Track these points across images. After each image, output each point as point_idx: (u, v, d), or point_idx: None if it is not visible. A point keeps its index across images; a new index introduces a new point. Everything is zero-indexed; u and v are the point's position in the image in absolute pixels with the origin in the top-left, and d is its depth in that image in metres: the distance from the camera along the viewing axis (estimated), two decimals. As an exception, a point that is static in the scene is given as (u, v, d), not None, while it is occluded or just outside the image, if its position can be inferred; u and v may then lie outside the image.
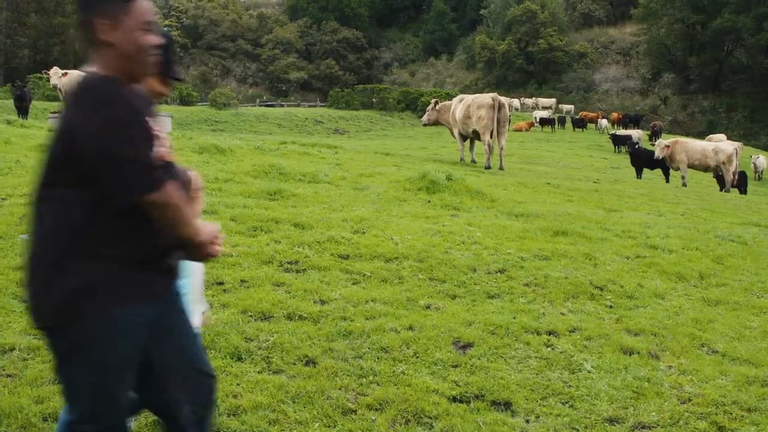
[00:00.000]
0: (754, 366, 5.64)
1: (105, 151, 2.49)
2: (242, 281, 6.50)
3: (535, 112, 56.45)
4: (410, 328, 5.75)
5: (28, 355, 4.86)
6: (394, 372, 4.99)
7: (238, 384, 4.65)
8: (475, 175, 15.34)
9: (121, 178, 2.52)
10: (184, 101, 54.39)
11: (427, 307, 6.25)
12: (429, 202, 11.00)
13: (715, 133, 45.34)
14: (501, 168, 19.14)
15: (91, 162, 2.51)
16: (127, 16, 2.64)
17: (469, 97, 20.47)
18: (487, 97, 19.44)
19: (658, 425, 4.55)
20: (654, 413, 4.69)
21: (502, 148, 19.52)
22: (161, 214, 2.63)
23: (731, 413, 4.83)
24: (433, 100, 23.25)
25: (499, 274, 7.29)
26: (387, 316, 5.96)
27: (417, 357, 5.25)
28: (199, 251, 2.91)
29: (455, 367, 5.13)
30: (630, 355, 5.57)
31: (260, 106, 66.64)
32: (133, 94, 2.62)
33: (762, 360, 5.75)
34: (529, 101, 68.15)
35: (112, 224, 2.62)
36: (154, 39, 2.74)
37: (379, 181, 12.64)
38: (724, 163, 23.23)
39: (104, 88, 2.56)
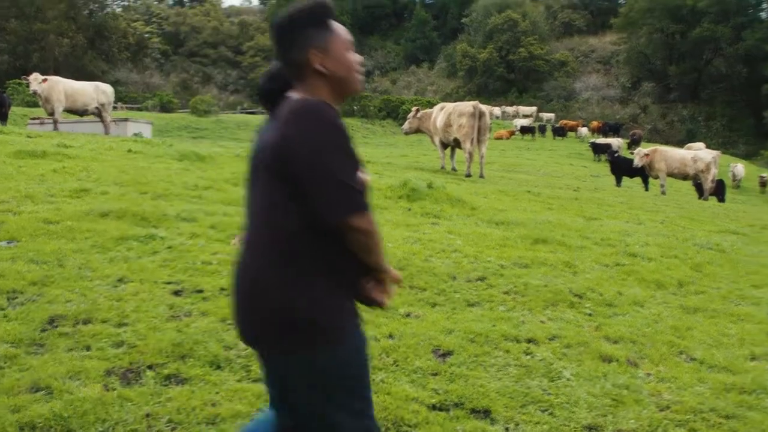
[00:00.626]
0: (731, 373, 5.67)
1: (321, 170, 2.56)
2: (222, 289, 6.46)
3: (515, 120, 56.68)
4: (390, 336, 5.74)
5: (5, 363, 4.81)
6: (373, 380, 4.97)
7: (217, 392, 4.62)
8: (456, 183, 15.37)
9: (331, 198, 2.57)
10: (165, 108, 54.28)
11: (407, 315, 6.24)
12: (410, 209, 11.00)
13: (694, 142, 45.69)
14: (481, 176, 19.19)
15: (306, 180, 2.58)
16: (334, 41, 2.78)
17: (450, 105, 20.51)
18: (468, 105, 19.49)
19: (637, 433, 4.57)
20: (633, 421, 4.69)
21: (482, 156, 19.56)
22: (359, 239, 2.68)
23: (709, 420, 4.85)
24: (414, 108, 23.26)
25: (479, 282, 7.29)
26: (367, 324, 5.94)
27: (397, 365, 5.24)
28: (378, 287, 2.93)
29: (435, 375, 5.12)
30: (609, 362, 5.58)
31: (241, 113, 66.60)
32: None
33: (739, 367, 5.78)
34: (510, 109, 68.36)
35: (329, 248, 2.68)
36: (359, 56, 2.87)
37: (360, 189, 12.64)
38: (702, 171, 23.41)
39: (324, 111, 2.61)
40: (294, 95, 2.75)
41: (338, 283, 2.72)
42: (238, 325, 2.80)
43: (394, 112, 60.70)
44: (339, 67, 2.77)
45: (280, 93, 2.86)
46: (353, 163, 2.64)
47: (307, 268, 2.65)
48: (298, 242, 2.64)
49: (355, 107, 63.01)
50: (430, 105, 39.68)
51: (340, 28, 2.82)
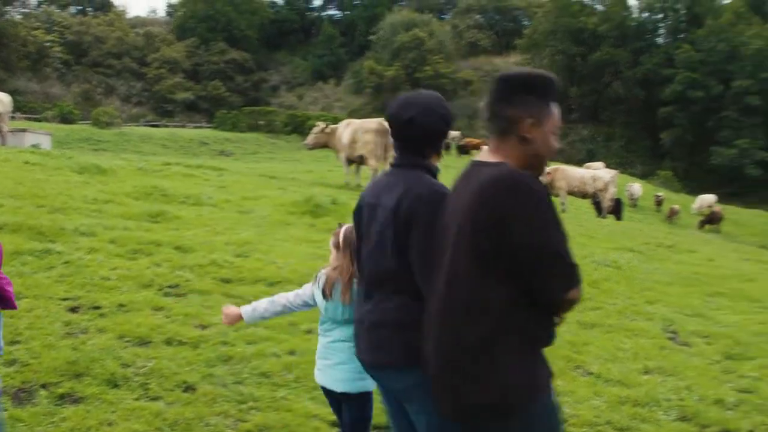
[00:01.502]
0: (626, 387, 5.83)
1: (546, 250, 2.62)
2: (120, 305, 6.34)
3: (421, 137, 57.17)
4: (292, 352, 5.71)
5: None
6: (274, 397, 4.94)
7: (113, 411, 4.52)
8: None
9: (556, 277, 2.65)
10: (65, 119, 52.88)
11: (309, 332, 6.20)
12: (313, 225, 10.98)
13: (594, 161, 46.80)
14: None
15: (527, 258, 2.61)
16: (547, 118, 2.81)
17: (356, 122, 20.58)
18: (373, 122, 19.58)
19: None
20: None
21: (387, 173, 19.63)
22: (567, 309, 2.79)
23: (605, 433, 4.99)
24: (321, 123, 23.20)
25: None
26: (268, 341, 5.91)
27: (298, 382, 5.22)
28: None
29: (337, 391, 5.11)
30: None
31: (144, 125, 65.38)
32: None
33: (634, 381, 5.95)
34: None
35: (529, 315, 2.72)
36: (558, 144, 2.90)
37: (263, 204, 12.55)
38: (601, 190, 24.06)
39: (536, 187, 2.65)
40: (486, 158, 2.86)
41: (540, 351, 2.83)
42: (447, 393, 2.78)
43: (300, 128, 60.44)
44: (542, 143, 2.82)
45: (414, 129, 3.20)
46: (566, 237, 2.70)
47: (514, 341, 2.70)
48: (506, 316, 2.68)
49: (261, 122, 62.59)
50: (336, 121, 39.70)
51: (557, 112, 2.88)
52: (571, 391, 5.59)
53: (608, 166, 39.71)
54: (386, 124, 15.66)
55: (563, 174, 24.30)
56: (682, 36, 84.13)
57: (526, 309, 2.69)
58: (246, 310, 4.06)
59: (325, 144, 22.14)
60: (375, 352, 3.19)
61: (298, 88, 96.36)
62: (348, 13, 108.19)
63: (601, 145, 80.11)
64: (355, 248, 3.56)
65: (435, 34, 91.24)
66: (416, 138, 3.29)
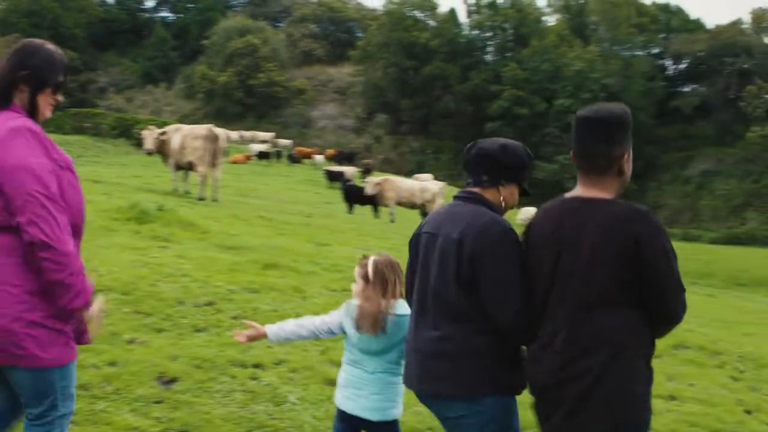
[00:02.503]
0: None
1: (671, 276, 2.94)
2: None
3: (252, 145, 56.59)
4: (112, 363, 5.53)
5: None
6: (93, 410, 4.77)
7: None
8: (189, 206, 15.10)
9: (678, 301, 2.97)
10: None
11: (131, 342, 6.03)
12: (138, 232, 10.67)
13: (423, 173, 47.87)
14: (215, 199, 18.99)
15: (656, 283, 2.92)
16: (631, 150, 3.18)
17: (185, 128, 20.18)
18: (202, 128, 19.28)
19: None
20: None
21: (216, 180, 19.39)
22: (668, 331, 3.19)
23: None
24: (154, 128, 22.56)
25: (207, 306, 7.18)
26: (87, 352, 5.68)
27: (118, 393, 5.06)
28: None
29: (158, 402, 5.00)
30: (333, 386, 5.67)
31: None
32: None
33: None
34: (248, 134, 68.21)
35: (649, 336, 3.05)
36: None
37: (86, 210, 12.05)
38: (429, 201, 24.61)
39: (658, 219, 3.00)
40: (584, 193, 3.14)
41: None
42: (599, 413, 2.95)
43: (128, 132, 58.69)
44: (628, 173, 3.19)
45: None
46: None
47: (641, 361, 3.01)
48: (635, 337, 2.98)
49: (87, 124, 60.34)
50: (165, 126, 38.77)
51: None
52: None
53: (437, 178, 40.75)
54: (216, 130, 15.32)
55: (392, 185, 24.69)
56: (509, 54, 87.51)
57: (647, 330, 3.02)
58: (272, 329, 4.06)
59: (159, 150, 21.60)
60: (432, 382, 3.27)
61: (128, 91, 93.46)
62: (181, 16, 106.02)
63: (430, 157, 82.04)
64: (384, 280, 3.78)
65: (269, 41, 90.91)
66: (480, 166, 3.47)
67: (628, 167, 3.17)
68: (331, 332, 4.06)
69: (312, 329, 4.08)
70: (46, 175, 3.10)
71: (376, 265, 3.85)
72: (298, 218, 16.76)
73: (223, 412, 4.95)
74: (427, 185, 25.74)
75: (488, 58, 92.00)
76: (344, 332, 3.99)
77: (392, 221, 23.61)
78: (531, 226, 3.27)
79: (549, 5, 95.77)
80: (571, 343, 2.98)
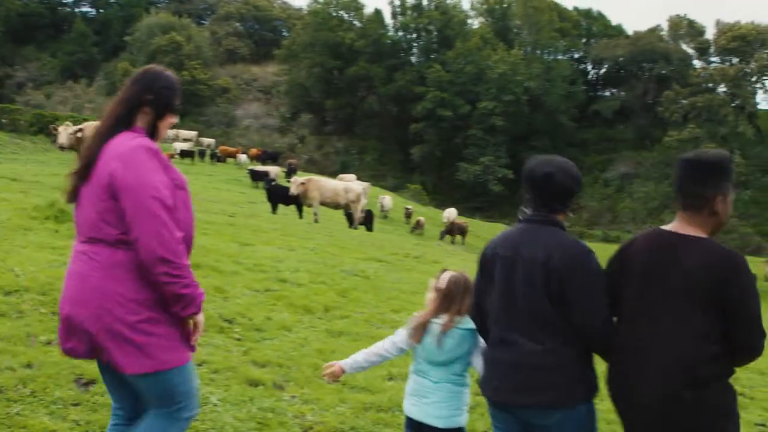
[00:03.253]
0: (370, 393, 6.00)
1: (753, 311, 3.29)
2: None
3: (175, 143, 55.73)
4: (28, 365, 5.40)
5: None
6: (8, 413, 4.66)
7: None
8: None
9: (757, 333, 3.30)
10: None
11: (49, 343, 5.89)
12: (57, 231, 10.43)
13: (347, 173, 47.83)
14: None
15: (740, 316, 3.27)
16: (729, 194, 3.44)
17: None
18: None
19: (280, 455, 4.69)
20: (277, 443, 4.82)
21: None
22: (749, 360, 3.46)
23: (348, 439, 5.11)
24: (69, 124, 22.04)
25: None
26: (3, 354, 5.55)
27: (35, 396, 4.95)
28: None
29: (76, 405, 4.91)
30: (256, 386, 5.68)
31: None
32: None
33: (378, 387, 6.13)
34: (170, 132, 67.37)
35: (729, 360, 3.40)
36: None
37: (3, 208, 11.77)
38: (353, 201, 24.61)
39: (745, 262, 3.31)
40: (679, 229, 3.46)
41: None
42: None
43: (46, 128, 57.33)
44: (724, 214, 3.44)
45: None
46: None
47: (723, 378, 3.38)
48: (720, 359, 3.31)
49: (4, 120, 58.76)
50: (86, 122, 37.93)
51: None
52: (318, 399, 5.67)
53: (361, 179, 40.79)
54: None
55: (316, 185, 24.60)
56: (433, 56, 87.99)
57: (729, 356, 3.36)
58: (347, 363, 4.26)
59: (74, 146, 21.11)
60: (532, 393, 3.50)
61: (47, 87, 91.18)
62: (103, 11, 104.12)
63: (354, 158, 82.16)
64: (450, 295, 4.05)
65: (193, 39, 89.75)
66: (551, 194, 3.66)
67: (724, 209, 3.43)
68: (401, 350, 4.26)
69: (383, 354, 4.29)
70: (165, 193, 3.32)
71: (448, 280, 4.09)
72: (222, 218, 16.59)
73: (143, 413, 4.88)
74: (351, 185, 25.72)
75: (413, 59, 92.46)
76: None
77: (316, 221, 23.54)
78: (624, 251, 3.62)
79: (473, 8, 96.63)
80: (671, 358, 3.37)
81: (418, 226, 37.23)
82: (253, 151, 60.12)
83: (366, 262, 12.52)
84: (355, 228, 24.58)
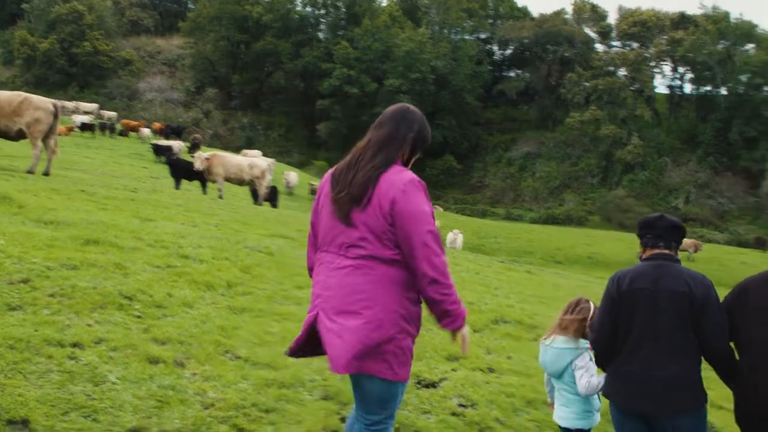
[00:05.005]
0: (273, 369, 5.99)
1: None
2: None
3: (75, 116, 54.18)
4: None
5: None
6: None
7: None
8: (5, 179, 14.33)
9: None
10: None
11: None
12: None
13: (252, 149, 47.44)
14: (30, 172, 18.06)
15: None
16: None
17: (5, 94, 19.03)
18: (44, 101, 18.18)
19: (181, 432, 4.64)
20: (177, 420, 4.77)
21: (44, 153, 18.43)
22: None
23: (250, 415, 5.09)
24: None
25: (22, 284, 6.81)
26: None
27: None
28: None
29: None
30: (156, 364, 5.59)
31: None
32: None
33: (280, 363, 6.12)
34: (70, 105, 65.28)
35: None
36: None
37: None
38: (258, 177, 24.41)
39: None
40: None
41: None
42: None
43: (-62, 98, 55.09)
44: None
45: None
46: None
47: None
48: None
49: None
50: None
51: None
52: (219, 375, 5.63)
53: (266, 155, 40.53)
54: (57, 104, 14.44)
55: (221, 161, 24.27)
56: (341, 33, 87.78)
57: None
58: None
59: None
60: (670, 405, 4.18)
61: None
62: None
63: (260, 133, 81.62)
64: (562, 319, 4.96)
65: (95, 8, 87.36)
66: (676, 238, 4.48)
67: None
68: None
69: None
70: (432, 220, 3.80)
71: (574, 304, 4.99)
72: (123, 193, 16.21)
73: (38, 393, 4.75)
74: (256, 161, 25.48)
75: (321, 35, 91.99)
76: None
77: (220, 197, 23.26)
78: (748, 287, 4.24)
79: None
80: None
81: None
82: (157, 125, 59.12)
83: (270, 239, 12.43)
84: (260, 204, 24.40)
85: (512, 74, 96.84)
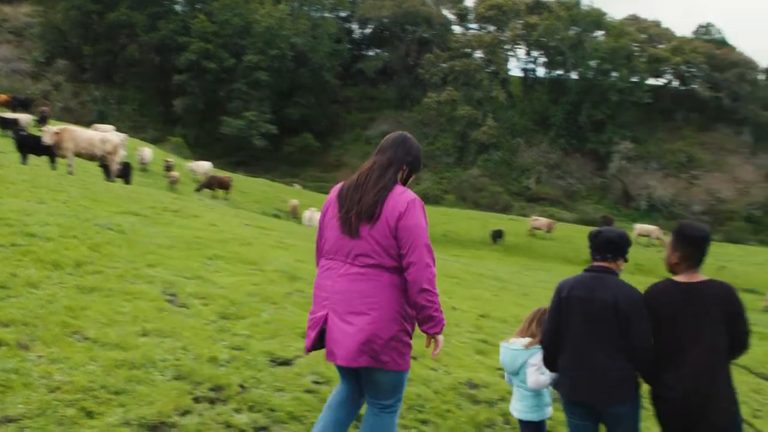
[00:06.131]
0: (123, 350, 5.87)
1: (747, 325, 4.74)
2: None
3: None
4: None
5: None
6: None
7: None
8: None
9: (748, 335, 4.73)
10: None
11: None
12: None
13: (105, 124, 45.98)
14: None
15: (744, 332, 4.69)
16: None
17: None
18: None
19: (25, 417, 4.53)
20: (21, 405, 4.64)
21: None
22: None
23: (99, 398, 4.98)
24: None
25: None
26: None
27: None
28: None
29: None
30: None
31: None
32: None
33: (131, 344, 6.00)
34: None
35: None
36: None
37: None
38: (110, 153, 23.66)
39: None
40: (687, 279, 4.80)
41: None
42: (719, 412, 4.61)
43: None
44: None
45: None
46: None
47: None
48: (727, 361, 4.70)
49: None
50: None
51: None
52: (66, 357, 5.47)
53: (120, 130, 39.36)
54: None
55: (71, 135, 23.36)
56: (199, 6, 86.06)
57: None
58: None
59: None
60: (605, 393, 4.77)
61: None
62: None
63: (113, 108, 79.16)
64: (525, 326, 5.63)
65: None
66: (612, 252, 5.01)
67: None
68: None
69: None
70: (427, 234, 4.43)
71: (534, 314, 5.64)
72: (-37, 168, 15.46)
73: None
74: (108, 136, 24.64)
75: (178, 8, 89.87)
76: None
77: (70, 173, 22.41)
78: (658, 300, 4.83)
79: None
80: (709, 366, 4.68)
81: (173, 180, 36.55)
82: (2, 97, 56.27)
83: (122, 216, 12.11)
84: (112, 181, 23.68)
85: (371, 53, 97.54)
